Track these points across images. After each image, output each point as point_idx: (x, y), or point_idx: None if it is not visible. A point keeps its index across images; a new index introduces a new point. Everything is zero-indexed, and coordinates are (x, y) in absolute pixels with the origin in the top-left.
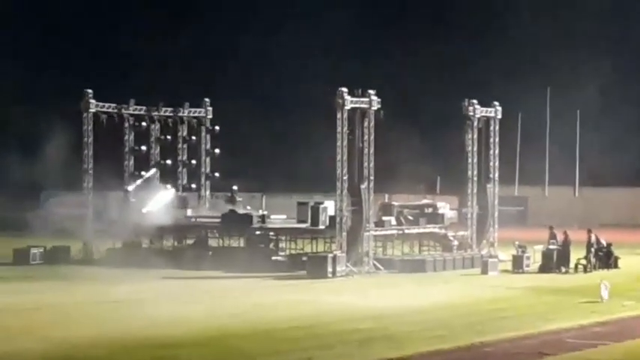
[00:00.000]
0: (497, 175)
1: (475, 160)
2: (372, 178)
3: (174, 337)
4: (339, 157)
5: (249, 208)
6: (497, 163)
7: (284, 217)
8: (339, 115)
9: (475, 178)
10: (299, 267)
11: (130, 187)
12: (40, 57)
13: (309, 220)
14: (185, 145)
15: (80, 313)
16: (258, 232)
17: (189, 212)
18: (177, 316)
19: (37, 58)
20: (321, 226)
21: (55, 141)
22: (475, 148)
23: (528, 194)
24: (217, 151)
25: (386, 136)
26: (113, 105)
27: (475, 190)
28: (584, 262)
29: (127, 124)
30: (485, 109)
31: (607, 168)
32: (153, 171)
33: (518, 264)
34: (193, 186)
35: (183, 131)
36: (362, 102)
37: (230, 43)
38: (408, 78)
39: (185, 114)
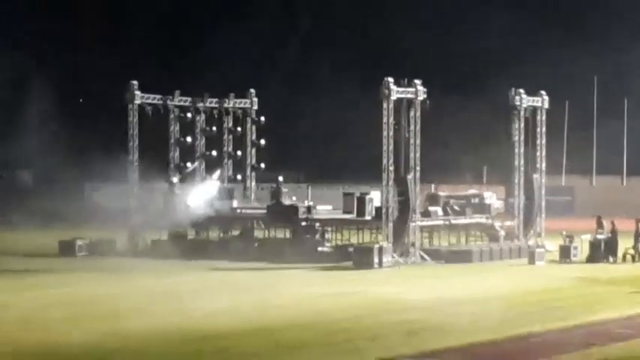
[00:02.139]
0: (544, 164)
1: (522, 149)
2: (418, 168)
3: (222, 328)
4: (385, 148)
5: (294, 199)
6: (544, 153)
7: (330, 207)
8: (385, 106)
9: (522, 168)
10: (345, 258)
11: (175, 179)
12: (86, 48)
13: (355, 211)
14: (230, 137)
15: (127, 305)
16: (304, 223)
17: (234, 203)
18: (224, 307)
19: (83, 49)
20: (368, 217)
21: (101, 133)
22: (522, 138)
23: (575, 184)
24: (263, 142)
25: (432, 126)
26: (158, 96)
27: (522, 180)
28: (632, 251)
29: (172, 116)
30: (532, 98)
31: None
32: (196, 164)
33: (565, 254)
34: (239, 177)
35: (229, 122)
36: (408, 92)
37: (277, 34)
38: (452, 68)
39: (230, 105)
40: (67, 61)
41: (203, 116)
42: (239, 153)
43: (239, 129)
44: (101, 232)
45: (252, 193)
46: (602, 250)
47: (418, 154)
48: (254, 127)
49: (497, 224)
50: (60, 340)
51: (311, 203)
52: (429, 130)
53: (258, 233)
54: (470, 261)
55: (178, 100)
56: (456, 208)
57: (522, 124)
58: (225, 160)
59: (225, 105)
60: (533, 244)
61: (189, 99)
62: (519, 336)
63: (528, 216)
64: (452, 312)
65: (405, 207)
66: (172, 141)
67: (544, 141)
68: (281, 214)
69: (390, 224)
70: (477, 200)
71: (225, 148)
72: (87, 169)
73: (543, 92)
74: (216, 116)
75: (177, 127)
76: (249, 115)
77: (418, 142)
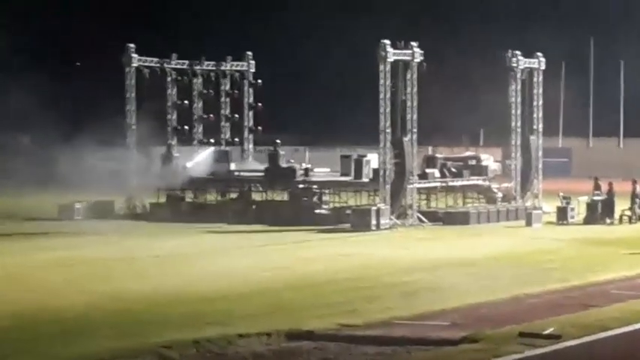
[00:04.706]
0: (540, 126)
1: (519, 111)
2: (415, 130)
3: (221, 290)
4: (382, 110)
5: (292, 161)
6: (540, 115)
7: (327, 170)
8: (381, 68)
9: (519, 130)
10: (343, 220)
11: (173, 142)
12: (82, 11)
13: (353, 173)
14: (228, 99)
15: (124, 268)
16: (301, 186)
17: (232, 166)
18: (221, 269)
19: (79, 12)
20: (365, 179)
21: (99, 96)
22: (518, 100)
23: (572, 145)
24: (260, 104)
25: (429, 89)
26: (155, 59)
27: (519, 142)
28: (629, 212)
29: (169, 79)
30: (528, 60)
31: None
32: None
33: (562, 215)
34: (236, 140)
35: (226, 85)
36: (404, 54)
37: None
38: (449, 29)
39: (228, 68)
40: (64, 25)
41: (200, 79)
42: (236, 116)
43: (236, 92)
44: (100, 196)
45: (250, 156)
46: (599, 212)
47: (415, 117)
48: (251, 90)
49: (494, 186)
50: (59, 303)
51: (308, 166)
52: (426, 93)
53: (256, 196)
54: (467, 223)
55: (175, 63)
56: (453, 170)
57: (519, 86)
58: (223, 123)
59: (223, 68)
60: (530, 205)
61: (187, 62)
62: (517, 297)
63: (525, 178)
64: (449, 273)
65: (402, 169)
66: (170, 104)
67: (541, 102)
68: (278, 177)
69: (388, 186)
70: (474, 162)
71: (222, 111)
72: (85, 133)
73: (540, 54)
74: (213, 79)
75: (175, 90)
76: (246, 77)
77: (415, 104)
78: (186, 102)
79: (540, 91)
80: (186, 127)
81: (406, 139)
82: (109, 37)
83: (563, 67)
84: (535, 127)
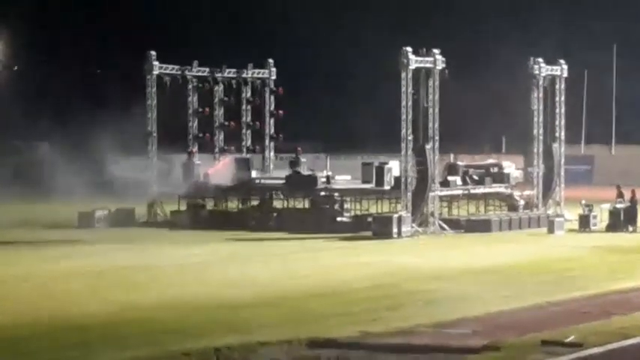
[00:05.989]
0: (563, 133)
1: (541, 119)
2: (437, 138)
3: (242, 298)
4: (403, 117)
5: (313, 169)
6: (563, 122)
7: (349, 177)
8: (403, 75)
9: (541, 137)
10: (364, 228)
11: (194, 150)
12: (103, 19)
13: (374, 181)
14: (249, 107)
15: (146, 276)
16: (322, 194)
17: (253, 174)
18: (243, 277)
19: (100, 20)
20: (386, 187)
21: (119, 104)
22: (541, 107)
23: (595, 153)
24: (281, 112)
25: (451, 96)
26: (176, 67)
27: (541, 150)
28: None
29: (190, 86)
30: (550, 67)
31: None
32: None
33: (584, 223)
34: (257, 148)
35: (247, 93)
36: (426, 61)
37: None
38: (473, 36)
39: (249, 75)
40: (84, 32)
41: (221, 87)
42: (257, 123)
43: (257, 99)
44: (120, 204)
45: (271, 164)
46: (622, 220)
47: (437, 124)
48: (272, 98)
49: (516, 193)
50: (78, 311)
51: (330, 173)
52: (448, 100)
53: (277, 203)
54: (489, 230)
55: (197, 70)
56: (475, 177)
57: (541, 93)
58: (244, 131)
59: (244, 75)
60: (552, 213)
61: (208, 69)
62: (539, 305)
63: (547, 185)
64: (471, 281)
65: (424, 176)
66: (191, 111)
67: (563, 110)
68: (300, 185)
69: (409, 194)
70: (496, 170)
71: (243, 119)
72: (106, 141)
73: (562, 61)
74: (234, 87)
75: (196, 98)
76: (267, 85)
77: (437, 111)
78: (207, 109)
79: (563, 98)
80: (207, 135)
81: (428, 146)
82: (130, 45)
83: (586, 74)
84: (557, 134)
